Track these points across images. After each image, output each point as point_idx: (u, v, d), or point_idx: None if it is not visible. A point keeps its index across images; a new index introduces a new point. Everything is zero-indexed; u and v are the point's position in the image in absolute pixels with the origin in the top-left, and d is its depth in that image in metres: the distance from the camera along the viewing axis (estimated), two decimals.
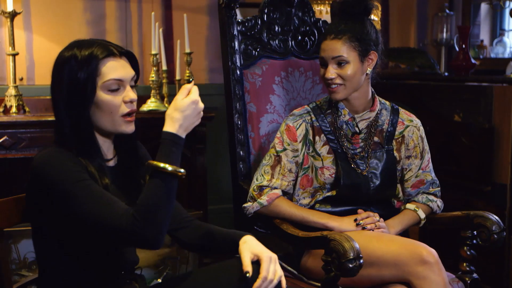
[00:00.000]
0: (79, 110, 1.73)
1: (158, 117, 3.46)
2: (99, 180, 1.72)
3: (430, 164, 2.41)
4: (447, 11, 4.32)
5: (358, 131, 2.31)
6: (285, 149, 2.29)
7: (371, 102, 2.33)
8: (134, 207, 1.63)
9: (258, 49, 2.54)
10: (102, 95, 1.73)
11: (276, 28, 2.58)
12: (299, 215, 2.25)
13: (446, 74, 4.16)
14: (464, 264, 2.30)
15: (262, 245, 1.78)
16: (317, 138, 2.31)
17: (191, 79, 1.62)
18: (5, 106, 3.38)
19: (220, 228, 1.95)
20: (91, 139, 1.76)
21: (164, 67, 3.62)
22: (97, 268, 1.76)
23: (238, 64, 2.48)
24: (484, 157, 3.24)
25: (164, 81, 3.64)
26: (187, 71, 3.64)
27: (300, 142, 2.30)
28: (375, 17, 3.19)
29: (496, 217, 2.24)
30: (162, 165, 1.63)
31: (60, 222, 1.69)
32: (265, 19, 2.56)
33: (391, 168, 2.34)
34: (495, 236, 2.20)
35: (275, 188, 2.28)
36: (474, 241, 2.27)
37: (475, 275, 2.29)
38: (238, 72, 2.48)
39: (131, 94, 1.78)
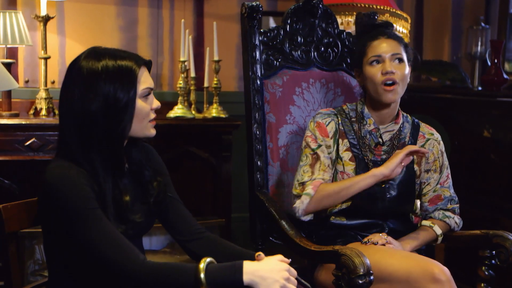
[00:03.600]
0: (118, 122, 1.71)
1: (184, 124, 3.51)
2: (119, 197, 1.74)
3: (450, 180, 2.37)
4: (483, 24, 4.25)
5: (381, 142, 2.29)
6: (320, 146, 2.28)
7: (396, 116, 2.33)
8: (153, 263, 1.64)
9: (279, 60, 2.53)
10: (139, 103, 1.75)
11: (299, 39, 2.56)
12: (347, 184, 2.22)
13: (480, 88, 4.08)
14: (482, 284, 2.25)
15: None
16: (340, 141, 2.30)
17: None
18: (36, 108, 3.44)
19: (232, 243, 1.96)
20: (121, 152, 1.76)
21: (193, 74, 3.63)
22: (106, 276, 1.76)
23: (259, 74, 2.47)
24: None
25: (192, 88, 3.65)
26: (215, 79, 3.65)
27: (331, 138, 2.29)
28: (404, 29, 3.15)
29: None
30: (202, 276, 1.61)
31: (68, 241, 1.69)
32: (288, 29, 2.54)
33: (410, 181, 2.31)
34: None
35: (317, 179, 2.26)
36: (493, 261, 2.22)
37: None
38: (258, 82, 2.47)
39: (157, 102, 1.81)
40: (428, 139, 2.36)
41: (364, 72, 2.28)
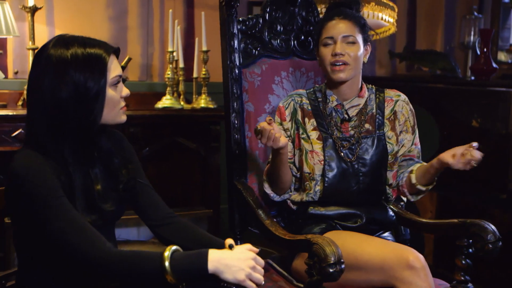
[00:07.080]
0: (89, 111, 1.70)
1: (172, 114, 3.51)
2: (90, 186, 1.75)
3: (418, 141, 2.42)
4: (476, 13, 4.22)
5: (347, 118, 2.31)
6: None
7: (359, 90, 2.35)
8: (119, 252, 1.64)
9: (258, 48, 2.51)
10: (109, 91, 1.74)
11: (278, 27, 2.55)
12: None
13: (472, 78, 4.06)
14: (460, 273, 2.23)
15: None
16: (306, 120, 2.32)
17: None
18: (24, 99, 3.44)
19: (203, 230, 1.96)
20: (91, 141, 1.75)
21: (181, 65, 3.63)
22: (74, 265, 1.75)
23: (237, 63, 2.45)
24: (500, 164, 3.15)
25: (180, 78, 3.65)
26: (203, 69, 3.64)
27: (289, 121, 2.34)
28: (390, 18, 3.13)
29: (493, 227, 2.15)
30: (167, 264, 1.60)
31: (35, 230, 1.68)
32: (267, 18, 2.52)
33: (382, 154, 2.32)
34: (490, 246, 2.12)
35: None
36: (470, 250, 2.21)
37: (470, 285, 2.22)
38: (237, 71, 2.45)
39: (126, 90, 1.81)
40: (397, 101, 2.38)
41: (318, 52, 2.31)
